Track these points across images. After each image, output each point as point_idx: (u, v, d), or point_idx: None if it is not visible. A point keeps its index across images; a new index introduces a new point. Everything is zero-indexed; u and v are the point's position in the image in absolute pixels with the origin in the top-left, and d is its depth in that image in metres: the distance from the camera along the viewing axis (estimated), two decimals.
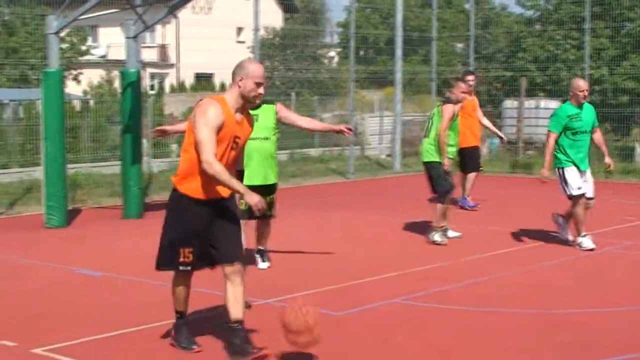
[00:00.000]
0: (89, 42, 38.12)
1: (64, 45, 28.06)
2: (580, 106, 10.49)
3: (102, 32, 45.44)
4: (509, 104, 22.81)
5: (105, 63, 40.58)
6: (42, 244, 11.36)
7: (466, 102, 12.92)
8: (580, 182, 10.41)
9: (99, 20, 23.50)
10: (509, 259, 10.12)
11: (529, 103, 22.27)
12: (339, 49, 37.63)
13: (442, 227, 11.10)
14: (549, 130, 10.55)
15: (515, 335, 6.94)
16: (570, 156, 10.42)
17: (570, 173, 10.40)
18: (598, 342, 6.72)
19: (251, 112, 7.97)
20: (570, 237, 10.85)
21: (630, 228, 12.37)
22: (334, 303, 7.79)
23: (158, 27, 44.93)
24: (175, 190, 6.22)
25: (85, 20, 13.81)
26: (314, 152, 23.27)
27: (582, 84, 10.56)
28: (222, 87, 36.94)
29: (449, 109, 10.93)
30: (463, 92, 11.16)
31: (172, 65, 48.41)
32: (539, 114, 21.95)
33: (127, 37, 13.58)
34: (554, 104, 22.00)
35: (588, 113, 10.57)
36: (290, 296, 7.68)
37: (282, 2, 45.42)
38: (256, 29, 19.06)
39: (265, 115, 8.96)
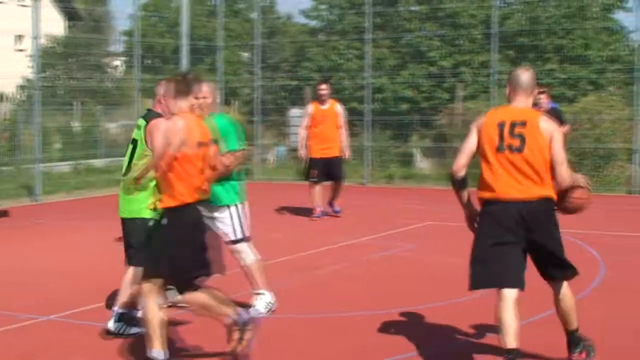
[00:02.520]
0: None
1: None
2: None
3: None
4: (295, 112, 23.14)
5: None
6: None
7: (331, 112, 13.51)
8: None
9: None
10: (295, 264, 10.24)
11: None
12: (124, 58, 36.97)
13: None
14: None
15: (307, 340, 7.01)
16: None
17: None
18: (380, 344, 6.89)
19: None
20: None
21: (411, 230, 12.82)
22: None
23: None
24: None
25: None
26: (97, 162, 22.63)
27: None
28: (0, 97, 35.35)
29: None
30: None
31: None
32: None
33: None
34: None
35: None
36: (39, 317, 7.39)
37: (64, 10, 44.13)
38: (36, 37, 18.37)
39: None
